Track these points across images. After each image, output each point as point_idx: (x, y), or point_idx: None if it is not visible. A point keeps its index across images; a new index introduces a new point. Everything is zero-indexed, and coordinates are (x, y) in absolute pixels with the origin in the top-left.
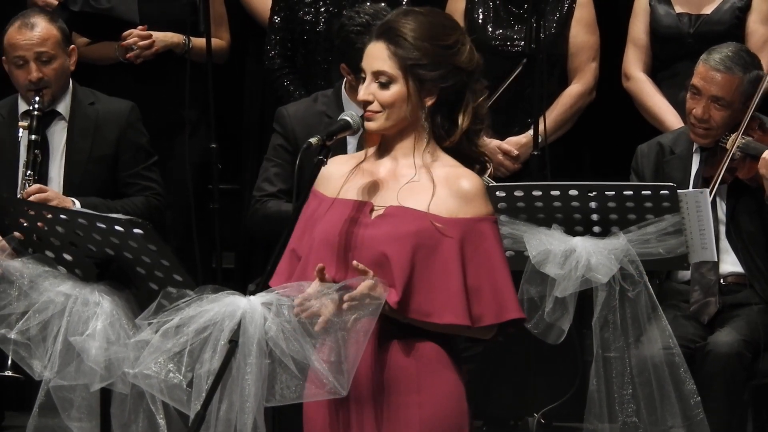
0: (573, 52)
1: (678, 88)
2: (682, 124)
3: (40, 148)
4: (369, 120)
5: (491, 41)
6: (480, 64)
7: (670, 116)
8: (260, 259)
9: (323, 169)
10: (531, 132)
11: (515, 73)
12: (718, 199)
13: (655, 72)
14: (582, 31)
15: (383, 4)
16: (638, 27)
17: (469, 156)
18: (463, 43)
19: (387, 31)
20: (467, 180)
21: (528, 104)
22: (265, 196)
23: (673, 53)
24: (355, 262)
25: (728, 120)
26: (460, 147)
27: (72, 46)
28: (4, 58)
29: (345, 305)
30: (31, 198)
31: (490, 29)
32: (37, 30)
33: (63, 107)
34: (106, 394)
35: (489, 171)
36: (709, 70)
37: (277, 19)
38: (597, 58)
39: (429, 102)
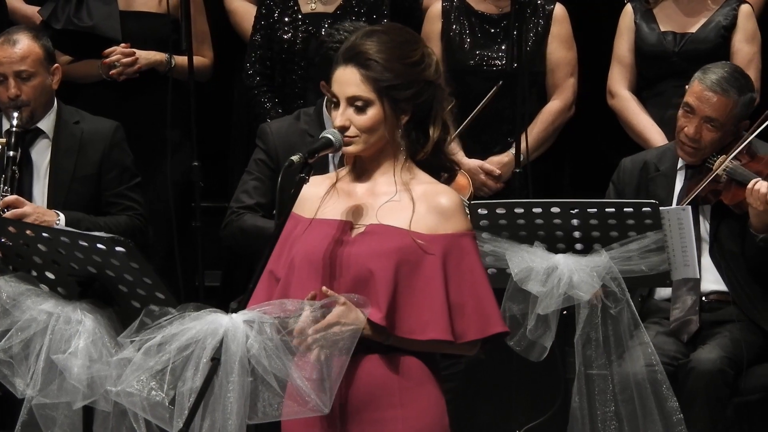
0: (551, 68)
1: (663, 107)
2: (667, 142)
3: (23, 165)
4: (347, 144)
5: (469, 61)
6: (442, 73)
7: (655, 134)
8: (243, 277)
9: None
10: (512, 151)
11: (490, 95)
12: (701, 218)
13: (640, 90)
14: (559, 48)
15: (363, 22)
16: (623, 45)
17: (438, 165)
18: (429, 56)
19: (356, 56)
20: (445, 196)
21: (508, 124)
22: (242, 208)
23: (658, 72)
24: (324, 288)
25: (718, 141)
26: (429, 157)
27: (56, 65)
28: None
29: (309, 339)
30: (9, 213)
31: (468, 49)
32: (18, 47)
33: (47, 126)
34: (88, 412)
35: (470, 192)
36: (705, 90)
37: (257, 37)
38: (575, 74)
39: (404, 120)
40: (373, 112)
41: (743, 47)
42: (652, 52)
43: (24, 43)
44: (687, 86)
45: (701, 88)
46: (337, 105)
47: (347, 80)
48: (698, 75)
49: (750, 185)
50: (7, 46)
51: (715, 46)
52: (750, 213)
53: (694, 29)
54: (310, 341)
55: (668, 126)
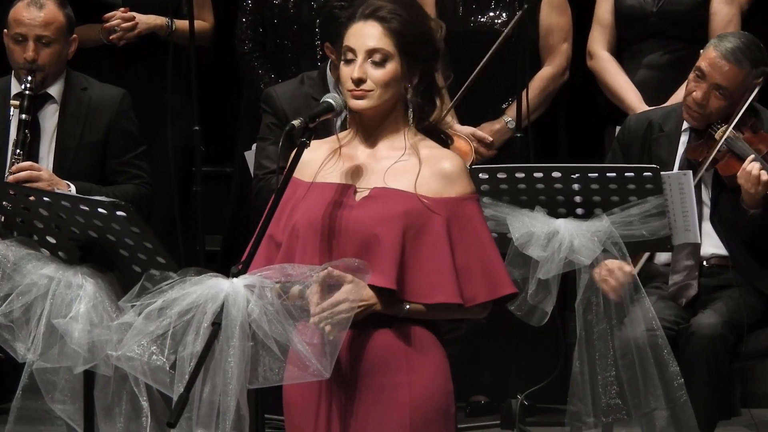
0: (544, 34)
1: (640, 67)
2: (643, 104)
3: (30, 129)
4: (360, 98)
5: (462, 27)
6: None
7: (631, 95)
8: (244, 241)
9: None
10: (505, 118)
11: (516, 18)
12: (702, 185)
13: (620, 52)
14: (552, 13)
15: None
16: (603, 6)
17: (434, 136)
18: (436, 29)
19: (376, 11)
20: (449, 160)
21: (500, 91)
22: (268, 173)
23: (637, 32)
24: (329, 269)
25: (725, 110)
26: (428, 129)
27: (74, 36)
28: (5, 31)
29: (315, 318)
30: (22, 174)
31: (461, 15)
32: (43, 11)
33: (55, 91)
34: (89, 377)
35: (472, 159)
36: (719, 57)
37: (248, 2)
38: (569, 40)
39: (415, 82)
40: (391, 67)
41: (722, 8)
42: (630, 13)
43: (49, 9)
44: (702, 51)
45: (715, 55)
46: (348, 61)
47: (368, 34)
48: (714, 41)
49: (744, 164)
50: (33, 9)
51: (694, 6)
52: (741, 189)
53: None
54: (316, 320)
55: (647, 87)
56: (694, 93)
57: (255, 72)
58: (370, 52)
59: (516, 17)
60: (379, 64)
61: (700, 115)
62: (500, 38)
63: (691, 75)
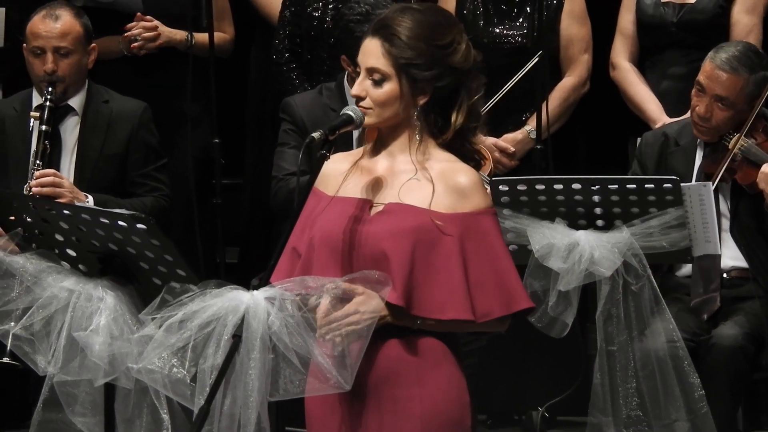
0: (564, 44)
1: (662, 77)
2: (664, 114)
3: (51, 141)
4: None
5: (482, 38)
6: (478, 62)
7: (652, 106)
8: (263, 254)
9: (323, 167)
10: (526, 128)
11: (530, 65)
12: (720, 196)
13: (641, 62)
14: (573, 23)
15: None
16: (626, 17)
17: (463, 154)
18: (459, 42)
19: (382, 28)
20: (464, 174)
21: (521, 101)
22: (287, 175)
23: (657, 42)
24: (339, 282)
25: (730, 120)
26: (454, 144)
27: (93, 45)
28: (24, 45)
29: (323, 329)
30: (45, 179)
31: (481, 26)
32: (60, 22)
33: (77, 103)
34: (109, 390)
35: (489, 169)
36: (715, 69)
37: (287, 14)
38: (589, 50)
39: (422, 101)
40: (388, 87)
41: (742, 18)
42: (651, 23)
43: (66, 20)
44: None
45: (712, 67)
46: (358, 74)
47: (370, 51)
48: (711, 54)
49: (763, 168)
50: (48, 21)
51: (714, 16)
52: (764, 193)
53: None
54: (324, 331)
55: (668, 97)
56: (697, 108)
57: (290, 82)
58: (370, 71)
59: (531, 63)
60: (378, 83)
61: (706, 128)
62: (519, 73)
63: (693, 90)
